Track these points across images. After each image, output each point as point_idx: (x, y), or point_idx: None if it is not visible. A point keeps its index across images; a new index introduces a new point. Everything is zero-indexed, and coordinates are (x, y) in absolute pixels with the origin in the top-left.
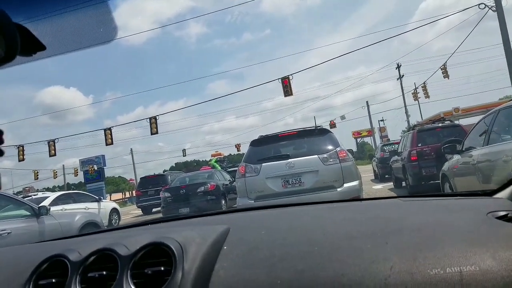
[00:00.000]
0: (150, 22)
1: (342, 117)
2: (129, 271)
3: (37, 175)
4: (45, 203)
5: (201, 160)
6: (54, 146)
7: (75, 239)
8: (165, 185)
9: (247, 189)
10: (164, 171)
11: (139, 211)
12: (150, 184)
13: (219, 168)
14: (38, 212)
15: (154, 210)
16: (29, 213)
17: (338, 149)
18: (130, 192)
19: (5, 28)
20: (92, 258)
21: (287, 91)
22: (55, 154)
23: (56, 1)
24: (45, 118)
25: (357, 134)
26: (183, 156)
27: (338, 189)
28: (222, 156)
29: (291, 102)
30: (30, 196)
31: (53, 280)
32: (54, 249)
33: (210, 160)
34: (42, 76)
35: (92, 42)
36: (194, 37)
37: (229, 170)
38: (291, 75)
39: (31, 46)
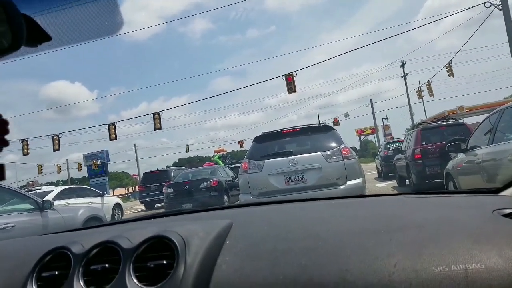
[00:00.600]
0: (155, 18)
1: (346, 115)
2: (131, 264)
3: (41, 169)
4: (49, 197)
5: (204, 156)
6: (58, 140)
7: (78, 232)
8: (168, 181)
9: (250, 186)
10: (167, 166)
11: (142, 207)
12: (153, 179)
13: (222, 164)
14: (42, 206)
15: (157, 205)
16: (33, 207)
17: (341, 146)
18: (133, 187)
19: (12, 18)
20: (95, 250)
21: (291, 88)
22: (59, 149)
23: None
24: (50, 113)
25: (360, 132)
26: (186, 152)
27: (341, 187)
28: (225, 153)
29: (294, 99)
30: (34, 190)
31: (56, 272)
32: (57, 241)
33: (213, 156)
34: (47, 70)
35: (97, 35)
36: (198, 33)
37: (232, 166)
38: (295, 72)
39: (37, 37)
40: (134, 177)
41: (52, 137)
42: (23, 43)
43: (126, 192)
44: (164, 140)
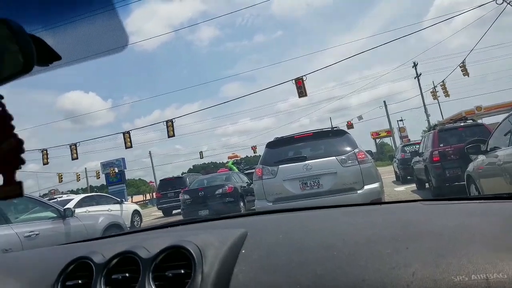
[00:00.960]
0: (164, 27)
1: (359, 118)
2: (150, 274)
3: (61, 178)
4: (70, 205)
5: (218, 162)
6: (76, 149)
7: (98, 241)
8: (184, 187)
9: (265, 192)
10: (183, 173)
11: (160, 213)
12: (170, 186)
13: (236, 170)
14: (64, 214)
15: (174, 211)
16: (55, 215)
17: (356, 150)
18: (151, 194)
19: (22, 41)
20: (115, 260)
21: (301, 92)
22: (77, 158)
23: (69, 10)
24: (67, 123)
25: (375, 135)
26: (200, 158)
27: (359, 191)
28: (238, 158)
29: (306, 103)
30: (56, 198)
31: (79, 281)
32: (79, 251)
33: (227, 162)
34: (62, 82)
35: (106, 49)
36: (206, 40)
37: (246, 172)
38: (304, 76)
39: (47, 57)
40: (151, 184)
41: (70, 146)
42: (34, 65)
43: (144, 199)
44: (178, 147)
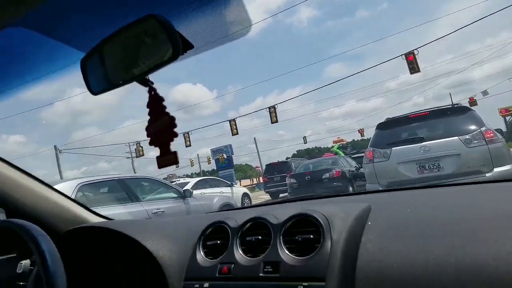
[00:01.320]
0: (261, 13)
1: (484, 93)
2: (281, 237)
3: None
4: (188, 187)
5: (322, 147)
6: (189, 137)
7: (227, 212)
8: (289, 172)
9: (377, 175)
10: (287, 158)
11: (268, 196)
12: (275, 170)
13: (342, 154)
14: (184, 195)
15: (281, 195)
16: (177, 195)
17: (483, 129)
18: (257, 178)
19: (169, 32)
20: (248, 225)
21: (413, 68)
22: (190, 145)
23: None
24: (179, 113)
25: (505, 112)
26: (304, 143)
27: (487, 174)
28: (344, 142)
29: (419, 80)
30: (174, 181)
31: (218, 242)
32: (214, 218)
33: (332, 146)
34: (171, 75)
35: (226, 37)
36: (305, 21)
37: (353, 156)
38: (416, 49)
39: (183, 46)
40: (257, 169)
41: (183, 134)
42: (180, 54)
43: (251, 183)
44: (281, 132)
